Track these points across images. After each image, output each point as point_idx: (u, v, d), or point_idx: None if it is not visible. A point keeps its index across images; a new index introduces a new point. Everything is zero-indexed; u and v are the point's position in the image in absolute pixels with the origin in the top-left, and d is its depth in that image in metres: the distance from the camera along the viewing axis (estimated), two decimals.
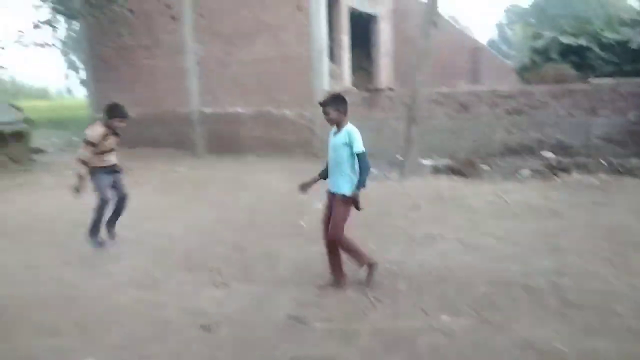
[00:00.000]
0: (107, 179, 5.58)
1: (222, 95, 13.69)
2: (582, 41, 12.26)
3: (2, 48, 14.61)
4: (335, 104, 4.24)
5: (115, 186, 5.74)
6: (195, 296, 4.41)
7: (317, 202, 7.27)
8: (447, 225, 6.20)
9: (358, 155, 4.18)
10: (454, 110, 11.28)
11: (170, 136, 14.31)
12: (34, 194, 9.05)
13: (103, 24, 14.13)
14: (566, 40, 12.31)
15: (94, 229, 5.69)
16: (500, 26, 45.96)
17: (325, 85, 12.51)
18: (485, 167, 9.72)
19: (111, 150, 5.63)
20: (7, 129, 12.09)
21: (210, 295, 4.42)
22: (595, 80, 10.58)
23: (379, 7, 16.16)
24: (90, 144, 5.39)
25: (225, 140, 13.62)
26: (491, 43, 39.46)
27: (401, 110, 11.40)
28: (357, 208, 4.35)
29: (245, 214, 7.12)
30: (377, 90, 12.19)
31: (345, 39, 14.05)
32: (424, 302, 4.11)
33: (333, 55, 13.90)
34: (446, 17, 19.22)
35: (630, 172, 8.23)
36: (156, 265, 5.21)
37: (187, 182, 9.93)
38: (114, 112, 5.49)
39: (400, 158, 9.91)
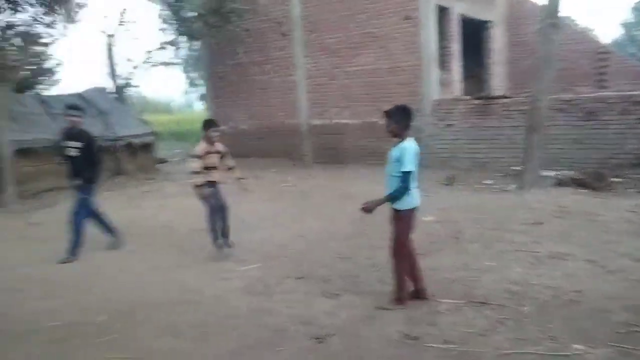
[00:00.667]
0: (209, 190, 5.88)
1: (330, 107, 13.89)
2: None
3: (135, 67, 16.15)
4: (397, 117, 4.11)
5: (217, 197, 6.01)
6: (307, 305, 4.42)
7: (426, 215, 7.06)
8: (576, 244, 5.63)
9: (402, 173, 4.01)
10: (579, 118, 10.36)
11: (280, 147, 14.79)
12: (158, 201, 9.78)
13: (220, 43, 15.05)
14: None
15: (212, 234, 6.02)
16: (626, 25, 41.90)
17: (434, 95, 12.18)
18: (616, 180, 8.77)
19: (214, 167, 5.93)
20: (137, 141, 13.27)
21: (321, 305, 4.39)
22: None
23: (491, 13, 15.44)
24: (196, 156, 5.83)
25: (333, 151, 13.78)
26: (616, 44, 36.13)
27: (517, 118, 10.73)
28: (364, 209, 4.16)
29: (351, 223, 7.07)
30: (491, 98, 11.59)
31: (455, 47, 13.58)
32: (552, 328, 3.73)
33: (443, 64, 13.50)
34: (566, 18, 17.87)
35: None
36: (268, 273, 5.32)
37: (295, 191, 10.15)
38: (208, 124, 5.98)
39: (518, 169, 9.29)
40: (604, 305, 4.05)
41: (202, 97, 34.91)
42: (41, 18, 11.31)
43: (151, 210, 8.98)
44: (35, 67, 15.28)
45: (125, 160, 13.00)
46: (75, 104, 6.76)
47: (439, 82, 12.57)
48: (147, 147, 13.81)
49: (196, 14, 14.27)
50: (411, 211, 4.19)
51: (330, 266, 5.45)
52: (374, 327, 3.93)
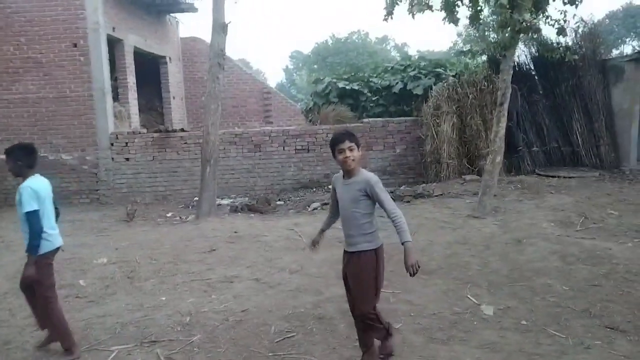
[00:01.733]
0: None
1: (23, 141, 11.64)
2: (356, 86, 13.75)
3: None
4: (17, 156, 3.89)
5: None
6: None
7: (99, 257, 6.58)
8: (244, 265, 6.11)
9: (25, 214, 3.74)
10: (248, 150, 11.51)
11: None
12: None
13: None
14: (342, 84, 13.66)
15: None
16: (287, 70, 49.38)
17: (110, 127, 11.62)
18: (280, 202, 10.04)
19: None
20: None
21: None
22: (368, 120, 11.93)
23: (166, 48, 15.84)
24: None
25: None
26: (280, 86, 42.07)
27: (195, 151, 11.19)
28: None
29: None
30: (169, 132, 11.77)
31: (130, 79, 13.34)
32: (220, 352, 3.90)
33: (118, 96, 13.06)
34: (236, 61, 19.83)
35: (400, 199, 9.29)
36: None
37: None
38: None
39: (197, 199, 9.63)
40: (265, 319, 4.46)
41: None
42: None
43: None
44: None
45: None
46: None
47: (114, 115, 12.08)
48: None
49: None
50: (48, 255, 3.88)
51: None
52: None
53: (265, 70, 75.52)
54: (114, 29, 12.34)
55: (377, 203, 3.26)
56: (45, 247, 3.81)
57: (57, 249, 3.98)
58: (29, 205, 3.73)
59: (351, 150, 3.25)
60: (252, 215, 9.16)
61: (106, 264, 6.34)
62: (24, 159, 3.91)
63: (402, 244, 3.14)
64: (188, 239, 7.44)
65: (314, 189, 10.91)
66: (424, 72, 13.19)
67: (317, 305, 4.74)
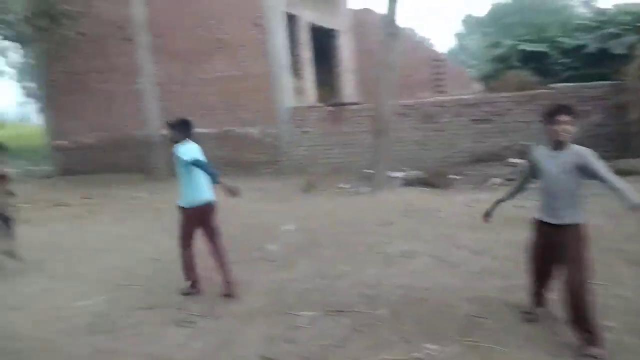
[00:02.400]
0: None
1: (183, 116, 13.24)
2: (541, 47, 12.42)
3: None
4: (178, 128, 4.64)
5: None
6: (157, 339, 4.01)
7: (285, 224, 6.99)
8: (421, 241, 5.95)
9: (189, 162, 4.43)
10: (420, 122, 11.20)
11: (131, 161, 13.73)
12: None
13: (55, 49, 13.55)
14: (525, 47, 12.45)
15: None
16: (459, 36, 46.98)
17: (289, 102, 12.27)
18: (455, 176, 9.59)
19: None
20: None
21: (174, 337, 4.02)
22: (556, 85, 10.68)
23: (338, 22, 16.10)
24: None
25: None
26: (452, 53, 40.22)
27: (367, 123, 11.25)
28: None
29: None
30: (343, 105, 12.01)
31: (306, 55, 13.88)
32: (405, 329, 3.82)
33: (296, 71, 13.70)
34: (405, 29, 19.37)
35: None
36: (114, 306, 4.78)
37: (148, 208, 9.43)
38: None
39: (370, 171, 9.70)
40: (449, 300, 4.26)
41: (40, 110, 31.29)
42: None
43: None
44: None
45: None
46: None
47: (292, 90, 12.70)
48: None
49: (22, 16, 12.68)
50: (195, 209, 4.56)
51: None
52: (231, 353, 3.69)
53: (432, 37, 73.00)
54: (290, 6, 12.86)
55: (590, 176, 3.24)
56: (191, 202, 4.52)
57: (208, 203, 4.59)
58: (187, 156, 4.42)
59: (568, 123, 3.25)
60: (426, 189, 8.91)
61: (290, 230, 6.72)
62: (184, 130, 4.65)
63: (629, 207, 3.04)
64: (364, 210, 7.53)
65: (493, 163, 10.17)
66: (626, 27, 11.34)
67: (506, 290, 4.38)
